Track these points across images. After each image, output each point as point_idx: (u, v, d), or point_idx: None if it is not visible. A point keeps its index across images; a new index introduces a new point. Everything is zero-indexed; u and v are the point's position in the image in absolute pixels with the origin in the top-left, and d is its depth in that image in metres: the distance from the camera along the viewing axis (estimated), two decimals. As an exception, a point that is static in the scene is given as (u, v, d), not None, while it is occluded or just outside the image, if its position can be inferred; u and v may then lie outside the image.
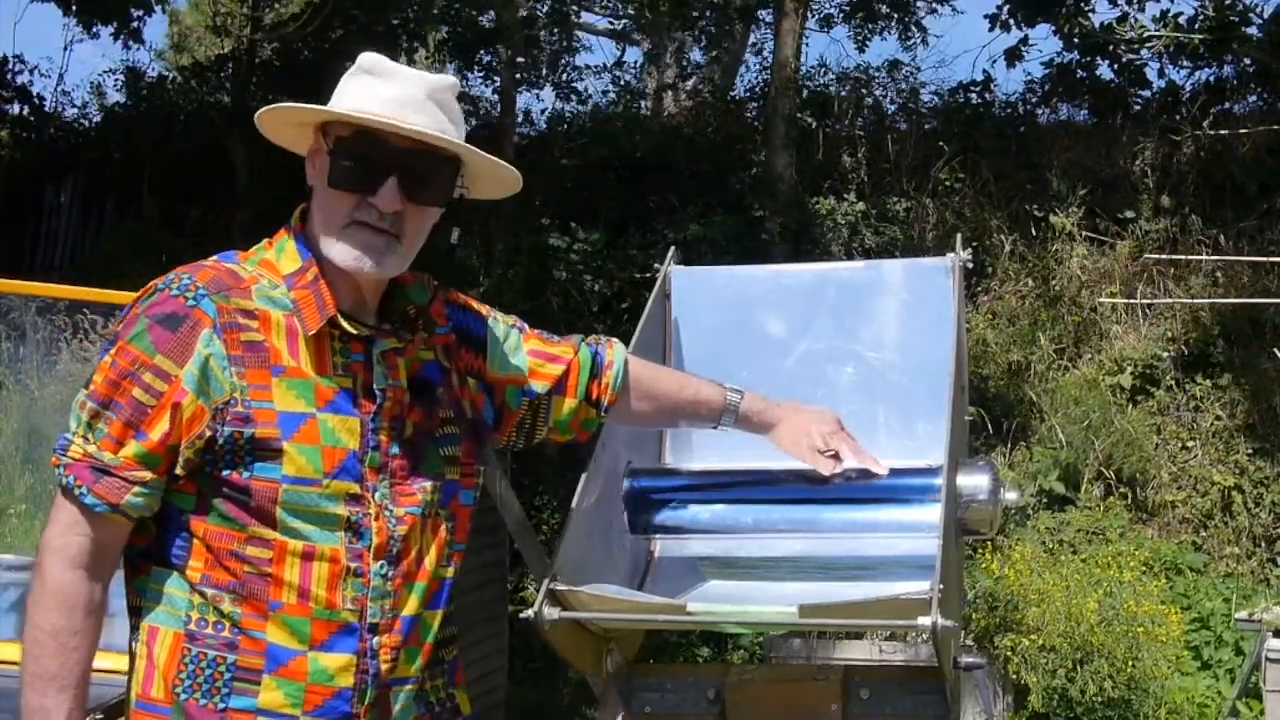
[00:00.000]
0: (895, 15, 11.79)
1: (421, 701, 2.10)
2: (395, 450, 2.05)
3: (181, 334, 1.95)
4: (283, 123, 2.10)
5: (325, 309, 2.01)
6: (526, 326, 2.35)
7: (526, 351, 2.31)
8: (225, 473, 1.95)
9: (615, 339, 2.48)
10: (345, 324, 2.03)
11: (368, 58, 2.09)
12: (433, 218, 2.10)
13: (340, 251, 2.02)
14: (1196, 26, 10.22)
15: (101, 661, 1.99)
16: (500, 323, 2.30)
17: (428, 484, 2.08)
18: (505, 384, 2.28)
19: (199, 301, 1.97)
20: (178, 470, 1.96)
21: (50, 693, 1.93)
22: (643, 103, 13.03)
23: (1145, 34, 10.40)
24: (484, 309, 2.31)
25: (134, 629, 2.02)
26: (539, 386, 2.31)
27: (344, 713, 1.99)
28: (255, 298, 2.00)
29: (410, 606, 2.05)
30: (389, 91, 2.02)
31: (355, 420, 2.01)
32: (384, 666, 2.03)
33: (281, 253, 2.07)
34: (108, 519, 1.94)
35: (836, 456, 2.60)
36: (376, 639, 2.01)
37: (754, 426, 2.59)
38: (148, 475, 1.94)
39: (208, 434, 1.94)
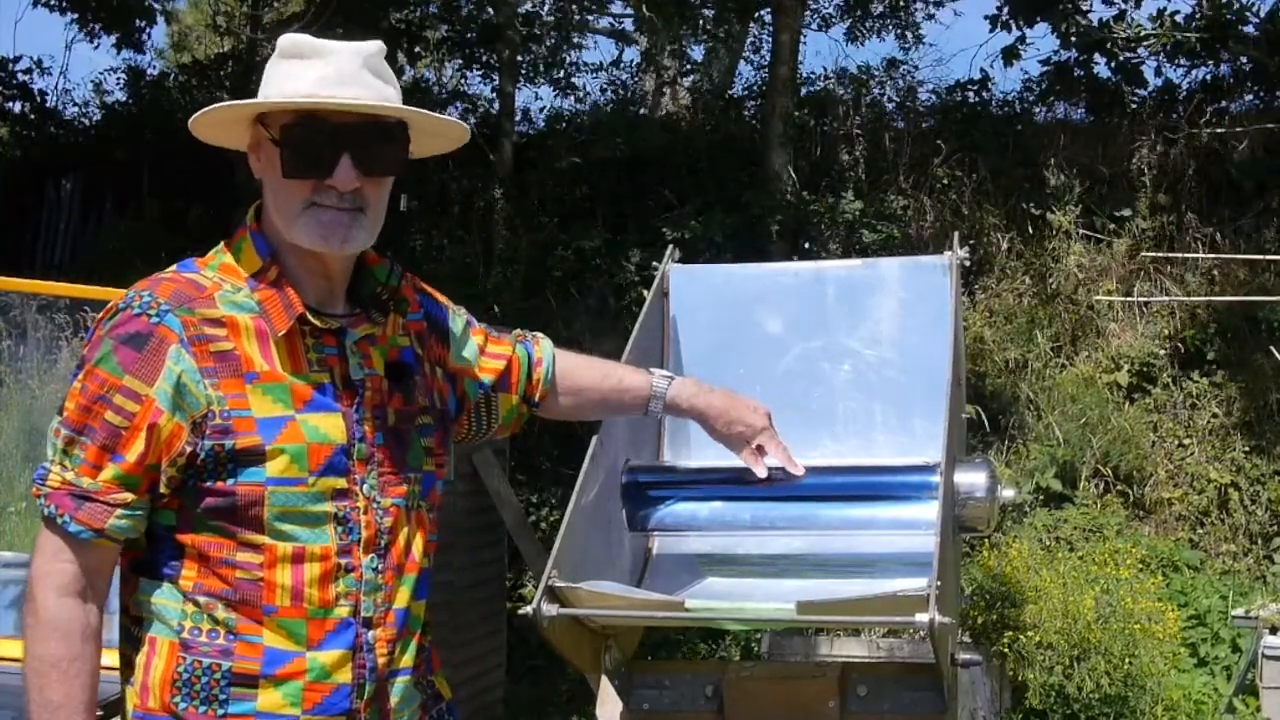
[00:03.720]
0: (892, 16, 11.78)
1: (416, 690, 2.12)
2: (380, 440, 2.05)
3: (148, 353, 1.93)
4: (218, 122, 2.05)
5: (292, 308, 1.99)
6: (474, 320, 2.36)
7: (475, 344, 2.32)
8: (209, 483, 1.94)
9: (543, 335, 2.49)
10: (314, 319, 2.02)
11: (289, 41, 2.04)
12: (389, 186, 2.08)
13: (305, 234, 1.99)
14: (1193, 25, 10.22)
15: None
16: (458, 314, 2.31)
17: (412, 475, 2.09)
18: (464, 374, 2.29)
19: (162, 318, 1.94)
20: (161, 489, 1.95)
21: None
22: (642, 101, 13.03)
23: (1142, 32, 10.40)
24: (443, 298, 2.31)
25: (135, 640, 2.01)
26: (487, 380, 2.32)
27: (344, 709, 2.00)
28: (220, 304, 1.98)
29: (401, 598, 2.07)
30: (322, 70, 1.98)
31: (338, 415, 2.01)
32: (381, 660, 2.04)
33: (240, 254, 2.04)
34: (93, 544, 1.93)
35: (761, 450, 2.64)
36: (372, 633, 2.02)
37: (685, 413, 2.60)
38: (129, 497, 1.93)
39: (188, 450, 1.94)
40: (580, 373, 2.49)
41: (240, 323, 1.98)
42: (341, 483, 1.99)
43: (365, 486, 2.02)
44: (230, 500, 1.94)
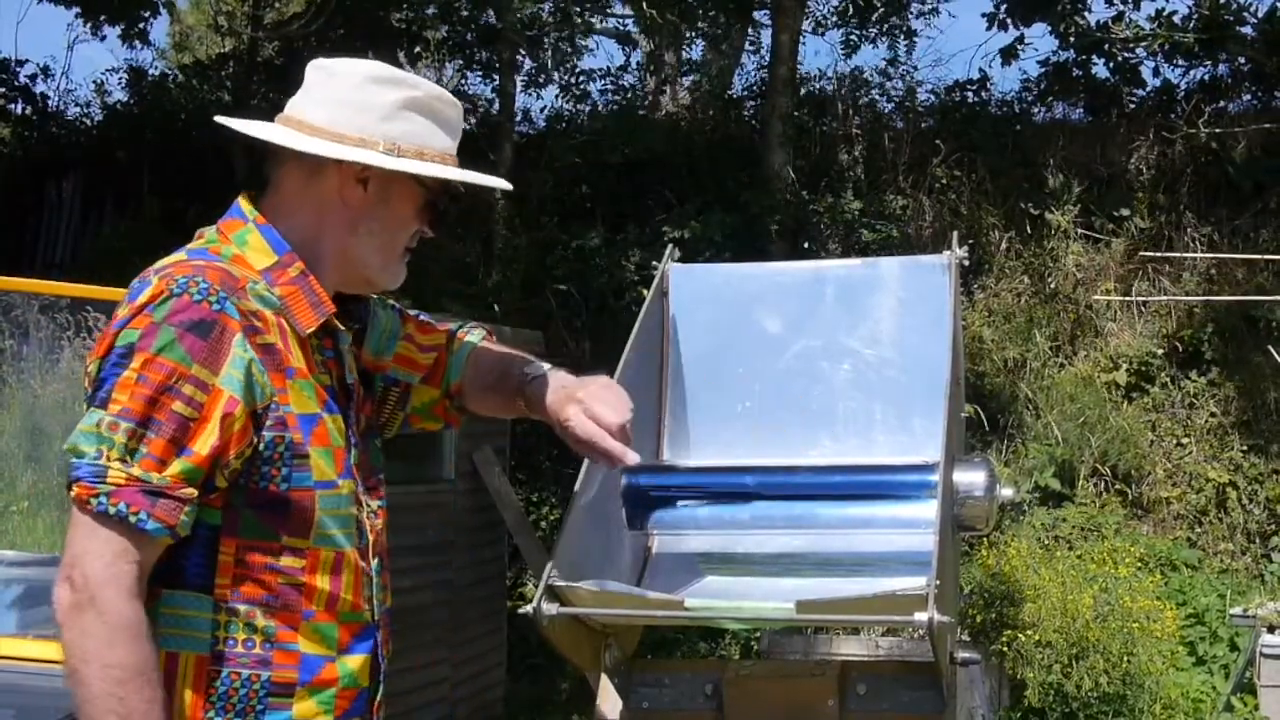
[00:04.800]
0: (888, 20, 11.77)
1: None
2: (363, 445, 2.07)
3: (213, 341, 1.84)
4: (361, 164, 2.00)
5: (322, 307, 1.98)
6: (407, 312, 2.30)
7: (402, 337, 2.25)
8: (263, 485, 1.89)
9: (478, 325, 2.38)
10: (337, 321, 2.01)
11: (431, 100, 2.05)
12: None
13: (395, 277, 2.07)
14: (1191, 26, 10.24)
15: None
16: (382, 307, 2.25)
17: (380, 476, 2.11)
18: (374, 369, 2.22)
19: (223, 305, 1.86)
20: (218, 482, 1.86)
21: None
22: (642, 101, 13.03)
23: (1140, 33, 10.41)
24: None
25: None
26: (404, 375, 2.24)
27: (362, 712, 2.01)
28: (251, 297, 1.93)
29: (389, 599, 2.10)
30: (453, 138, 2.07)
31: (340, 418, 2.00)
32: (384, 662, 2.07)
33: (246, 245, 1.99)
34: (157, 542, 1.82)
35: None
36: (379, 635, 2.05)
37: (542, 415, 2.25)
38: (193, 492, 1.82)
39: (254, 441, 1.87)
40: (480, 362, 2.29)
41: (269, 316, 1.93)
42: (353, 485, 2.00)
43: (360, 490, 2.03)
44: (283, 502, 1.90)
